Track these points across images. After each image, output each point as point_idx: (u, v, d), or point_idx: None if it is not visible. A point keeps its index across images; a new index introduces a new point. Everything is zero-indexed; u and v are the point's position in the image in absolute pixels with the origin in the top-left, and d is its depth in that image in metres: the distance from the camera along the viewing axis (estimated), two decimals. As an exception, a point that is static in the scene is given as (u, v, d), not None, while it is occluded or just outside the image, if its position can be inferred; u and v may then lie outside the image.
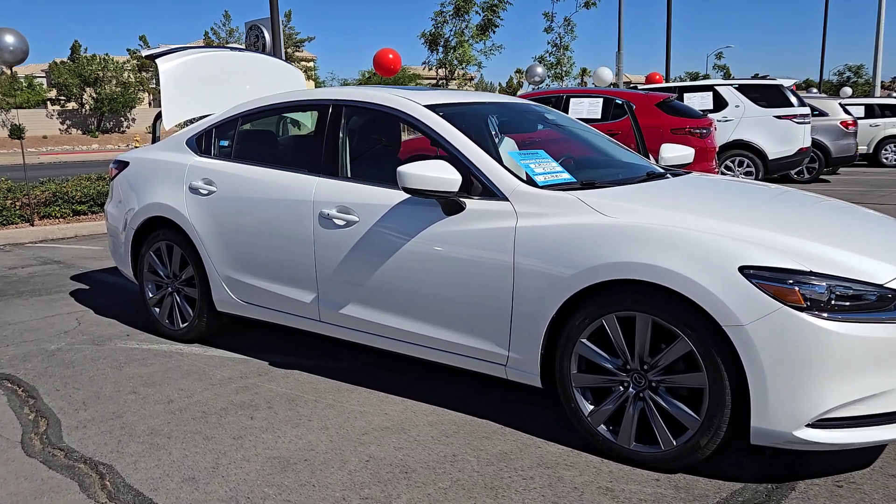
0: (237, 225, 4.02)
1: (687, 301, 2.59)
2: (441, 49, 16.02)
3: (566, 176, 3.30)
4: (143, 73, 54.13)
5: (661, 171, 3.87)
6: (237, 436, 3.17)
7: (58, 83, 48.85)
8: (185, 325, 4.42)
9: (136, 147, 36.07)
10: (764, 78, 13.32)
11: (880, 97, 21.20)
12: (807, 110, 11.71)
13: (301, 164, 3.88)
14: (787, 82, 11.93)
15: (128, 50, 57.92)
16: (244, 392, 3.68)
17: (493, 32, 16.59)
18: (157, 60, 4.76)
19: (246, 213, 3.97)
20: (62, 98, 50.01)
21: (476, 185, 3.22)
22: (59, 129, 46.42)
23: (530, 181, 3.19)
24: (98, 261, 7.11)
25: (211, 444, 3.09)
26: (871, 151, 17.89)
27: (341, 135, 3.75)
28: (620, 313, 2.77)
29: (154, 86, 58.10)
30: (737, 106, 11.82)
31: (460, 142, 3.33)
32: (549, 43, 18.43)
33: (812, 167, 13.66)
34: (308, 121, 6.41)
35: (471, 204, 3.19)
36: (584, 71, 47.66)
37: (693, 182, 3.60)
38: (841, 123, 13.92)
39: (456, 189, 3.12)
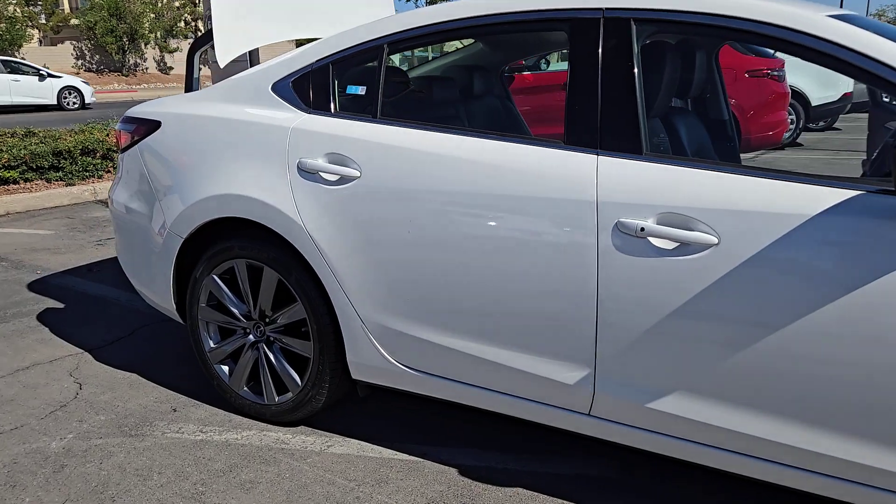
0: (410, 239, 2.24)
1: None
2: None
3: None
4: (31, 7, 48.35)
5: None
6: None
7: (-70, 17, 42.99)
8: (288, 398, 2.63)
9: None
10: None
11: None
12: (852, 50, 10.47)
13: (544, 129, 2.13)
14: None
15: (11, -20, 51.68)
16: (472, 558, 1.98)
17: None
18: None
19: (433, 219, 2.19)
20: (-63, 34, 44.09)
21: None
22: (-64, 70, 40.97)
23: None
24: (57, 254, 5.07)
25: None
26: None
27: (636, 75, 2.00)
28: None
29: (44, 21, 52.30)
30: (776, 45, 10.45)
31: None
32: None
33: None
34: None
35: None
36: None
37: None
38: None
39: None
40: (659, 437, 2.02)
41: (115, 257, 4.87)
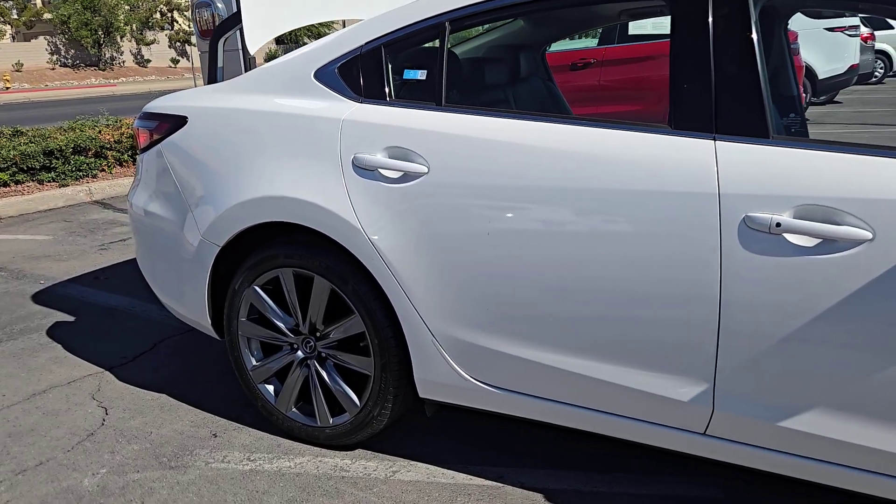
0: (490, 241, 1.98)
1: None
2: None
3: None
4: (2, 3, 47.24)
5: None
6: None
7: None
8: (345, 419, 2.37)
9: (8, 86, 30.58)
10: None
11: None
12: (857, 20, 10.29)
13: (641, 111, 1.88)
14: (836, -12, 10.44)
15: (-20, -25, 50.42)
16: None
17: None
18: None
19: (516, 219, 1.93)
20: None
21: None
22: None
23: None
24: (59, 261, 4.76)
25: None
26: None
27: (756, 45, 1.74)
28: None
29: (16, 17, 51.08)
30: (781, 17, 10.23)
31: None
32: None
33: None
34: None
35: None
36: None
37: None
38: (859, 37, 12.65)
39: None
40: (789, 457, 1.78)
41: (123, 263, 4.58)
